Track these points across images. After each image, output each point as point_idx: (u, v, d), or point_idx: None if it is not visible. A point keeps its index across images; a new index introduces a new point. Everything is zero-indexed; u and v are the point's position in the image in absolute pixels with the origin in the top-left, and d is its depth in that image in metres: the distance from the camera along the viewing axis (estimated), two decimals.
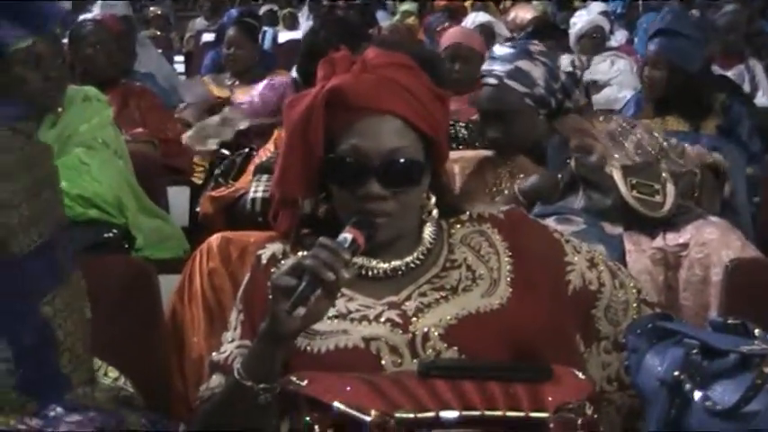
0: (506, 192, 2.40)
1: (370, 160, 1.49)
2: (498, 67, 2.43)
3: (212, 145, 3.68)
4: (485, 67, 2.50)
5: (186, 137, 3.77)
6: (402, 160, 1.50)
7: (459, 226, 1.61)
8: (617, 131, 2.40)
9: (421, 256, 1.55)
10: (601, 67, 5.18)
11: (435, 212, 1.59)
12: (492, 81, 2.44)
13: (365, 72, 1.55)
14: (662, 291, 2.14)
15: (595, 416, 1.30)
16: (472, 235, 1.60)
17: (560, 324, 1.56)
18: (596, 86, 4.98)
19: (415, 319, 1.49)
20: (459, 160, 2.73)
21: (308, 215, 1.60)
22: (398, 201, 1.51)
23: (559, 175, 2.34)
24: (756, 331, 1.34)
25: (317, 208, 1.61)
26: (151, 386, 1.64)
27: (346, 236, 1.43)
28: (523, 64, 2.42)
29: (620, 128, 2.43)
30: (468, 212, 1.63)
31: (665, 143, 2.47)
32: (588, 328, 1.61)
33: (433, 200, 1.60)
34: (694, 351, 1.29)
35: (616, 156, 2.36)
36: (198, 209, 2.96)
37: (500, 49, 2.52)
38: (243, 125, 3.67)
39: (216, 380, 1.54)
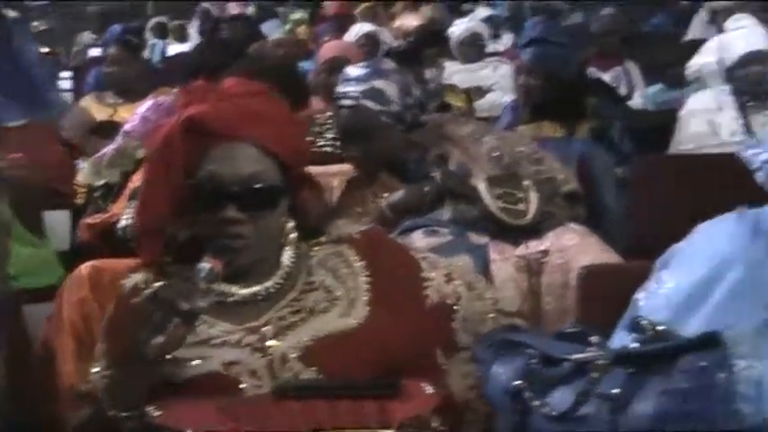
0: (372, 213, 2.46)
1: (228, 186, 1.54)
2: (353, 88, 2.50)
3: (113, 178, 3.53)
4: (339, 89, 2.56)
5: (81, 175, 3.65)
6: (258, 185, 1.56)
7: (317, 248, 1.66)
8: (469, 137, 2.48)
9: (280, 281, 1.60)
10: (483, 73, 5.29)
11: (294, 236, 1.65)
12: (348, 102, 2.51)
13: (222, 100, 1.61)
14: (526, 297, 2.22)
15: (443, 428, 1.37)
16: (330, 256, 1.65)
17: (420, 338, 1.63)
18: (479, 92, 5.08)
19: (273, 342, 1.54)
20: (339, 174, 2.79)
21: (172, 243, 1.64)
22: (256, 225, 1.56)
23: (426, 188, 2.41)
24: (593, 338, 1.42)
25: (180, 235, 1.64)
26: (22, 416, 1.64)
27: (203, 265, 1.47)
28: (378, 83, 2.50)
29: (474, 133, 2.51)
30: (326, 234, 1.68)
31: (522, 149, 2.55)
32: (448, 341, 1.68)
33: (292, 223, 1.65)
34: (534, 360, 1.37)
35: (471, 151, 2.44)
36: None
37: (353, 70, 2.59)
38: (141, 153, 3.53)
39: (84, 411, 1.56)
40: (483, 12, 7.98)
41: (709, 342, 1.27)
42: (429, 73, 4.07)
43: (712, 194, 1.54)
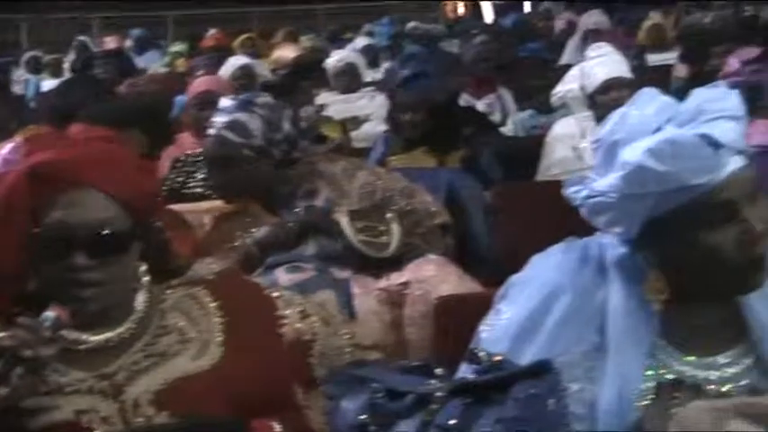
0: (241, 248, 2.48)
1: (76, 232, 1.54)
2: (219, 119, 2.58)
3: None
4: (212, 118, 2.63)
5: None
6: (106, 231, 1.56)
7: (170, 291, 1.67)
8: (342, 173, 2.54)
9: (133, 326, 1.61)
10: (360, 103, 5.35)
11: (147, 279, 1.66)
12: (212, 132, 2.58)
13: (68, 147, 1.61)
14: (390, 329, 2.28)
15: None
16: (183, 299, 1.66)
17: (276, 376, 1.65)
18: (356, 122, 5.14)
19: (126, 387, 1.54)
20: (210, 211, 2.81)
21: (20, 293, 1.63)
22: (106, 270, 1.56)
23: (289, 223, 2.45)
24: (438, 370, 1.46)
25: (28, 285, 1.63)
26: None
27: (48, 314, 1.47)
28: (241, 116, 2.56)
29: (347, 169, 2.56)
30: (179, 277, 1.70)
31: (395, 184, 2.62)
32: (306, 376, 1.71)
33: (144, 267, 1.66)
34: (379, 395, 1.41)
35: (342, 186, 2.50)
36: None
37: (224, 102, 2.65)
38: None
39: None
40: (361, 41, 8.10)
41: (541, 369, 1.33)
42: (304, 111, 4.11)
43: (572, 220, 1.60)
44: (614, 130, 1.49)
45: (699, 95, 1.48)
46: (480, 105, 5.40)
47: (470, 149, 3.92)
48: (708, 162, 1.40)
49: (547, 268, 1.52)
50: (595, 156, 1.54)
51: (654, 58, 7.52)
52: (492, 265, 2.98)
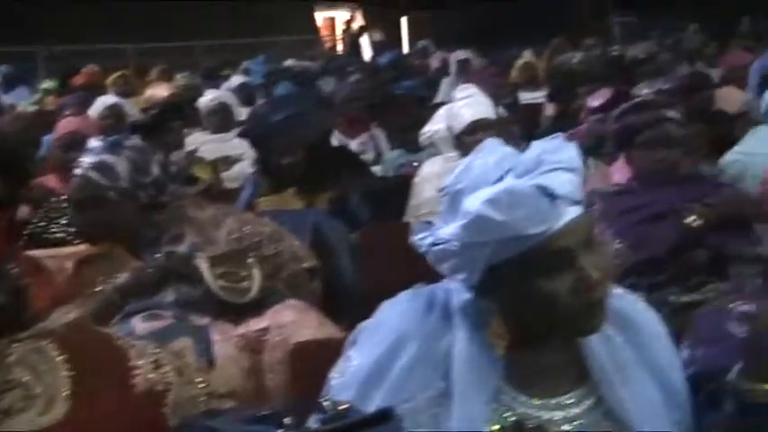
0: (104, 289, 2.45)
1: None
2: (85, 159, 2.55)
3: None
4: (78, 159, 2.60)
5: None
6: None
7: (15, 345, 1.63)
8: (210, 220, 2.52)
9: None
10: (232, 143, 5.30)
11: None
12: (77, 172, 2.55)
13: None
14: (248, 375, 2.27)
15: None
16: (29, 353, 1.62)
17: (128, 428, 1.63)
18: (228, 162, 5.10)
19: None
20: (73, 256, 2.75)
21: None
22: None
23: (149, 269, 2.42)
24: (286, 420, 1.47)
25: None
26: None
27: None
28: (108, 157, 2.53)
29: (215, 216, 2.55)
30: (29, 329, 1.66)
31: (262, 229, 2.62)
32: (160, 427, 1.69)
33: None
34: None
35: (209, 233, 2.49)
36: None
37: (92, 143, 2.63)
38: None
39: None
40: (237, 79, 8.08)
41: (383, 417, 1.35)
42: (176, 155, 4.08)
43: None
44: (458, 179, 1.53)
45: (538, 147, 1.53)
46: (353, 145, 5.45)
47: (340, 190, 3.95)
48: (544, 212, 1.45)
49: (394, 315, 1.54)
50: (441, 204, 1.57)
51: (526, 96, 7.74)
52: (357, 308, 2.99)
